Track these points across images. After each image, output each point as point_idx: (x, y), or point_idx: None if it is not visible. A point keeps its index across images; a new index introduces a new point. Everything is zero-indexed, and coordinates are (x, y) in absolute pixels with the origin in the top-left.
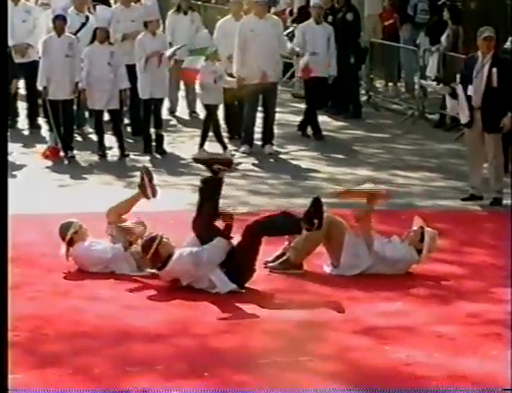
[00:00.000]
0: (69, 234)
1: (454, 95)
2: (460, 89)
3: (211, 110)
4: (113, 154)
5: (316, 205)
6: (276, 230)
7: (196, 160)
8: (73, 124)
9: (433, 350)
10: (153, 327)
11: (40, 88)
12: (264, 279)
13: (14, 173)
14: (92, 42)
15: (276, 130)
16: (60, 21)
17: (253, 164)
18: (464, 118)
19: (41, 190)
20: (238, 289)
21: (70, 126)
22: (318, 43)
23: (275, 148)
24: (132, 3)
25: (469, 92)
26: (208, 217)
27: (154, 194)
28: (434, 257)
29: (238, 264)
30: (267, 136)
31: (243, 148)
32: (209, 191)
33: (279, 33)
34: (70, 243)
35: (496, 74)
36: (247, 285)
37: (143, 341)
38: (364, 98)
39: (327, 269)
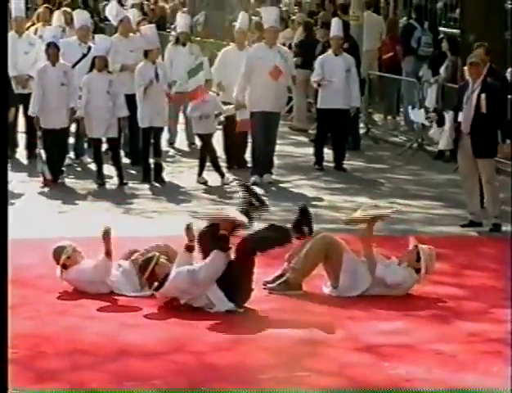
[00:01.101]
0: (62, 260)
1: (441, 122)
2: (448, 116)
3: (204, 139)
4: (112, 182)
5: (304, 213)
6: (268, 243)
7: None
8: (65, 152)
9: (433, 367)
10: (151, 345)
11: (32, 115)
12: (263, 300)
13: (12, 201)
14: (90, 70)
15: (275, 161)
16: (52, 49)
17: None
18: (443, 144)
19: (39, 216)
20: (236, 308)
21: (63, 154)
22: (336, 74)
23: (274, 177)
24: (131, 34)
25: (459, 119)
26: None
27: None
28: (434, 279)
29: (235, 281)
30: (267, 165)
31: (253, 178)
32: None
33: (288, 63)
34: (64, 267)
35: (485, 100)
36: (246, 305)
37: (141, 358)
38: (362, 131)
39: (326, 290)
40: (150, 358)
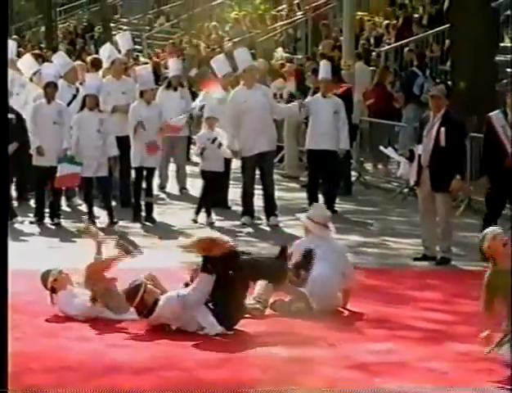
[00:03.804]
0: (50, 282)
1: (412, 158)
2: (416, 150)
3: (205, 175)
4: (102, 221)
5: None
6: (261, 277)
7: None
8: (60, 191)
9: (425, 383)
10: (140, 362)
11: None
12: (252, 323)
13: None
14: (81, 109)
15: None
16: (50, 88)
17: (247, 233)
18: (413, 180)
19: (30, 251)
20: (226, 331)
21: (58, 192)
22: (324, 116)
23: (263, 217)
24: (123, 76)
25: (419, 151)
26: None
27: (135, 247)
28: (426, 307)
29: (226, 304)
30: (270, 207)
31: (243, 219)
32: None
33: (270, 100)
34: (53, 290)
35: (445, 134)
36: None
37: (130, 374)
38: (354, 178)
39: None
40: (139, 374)
